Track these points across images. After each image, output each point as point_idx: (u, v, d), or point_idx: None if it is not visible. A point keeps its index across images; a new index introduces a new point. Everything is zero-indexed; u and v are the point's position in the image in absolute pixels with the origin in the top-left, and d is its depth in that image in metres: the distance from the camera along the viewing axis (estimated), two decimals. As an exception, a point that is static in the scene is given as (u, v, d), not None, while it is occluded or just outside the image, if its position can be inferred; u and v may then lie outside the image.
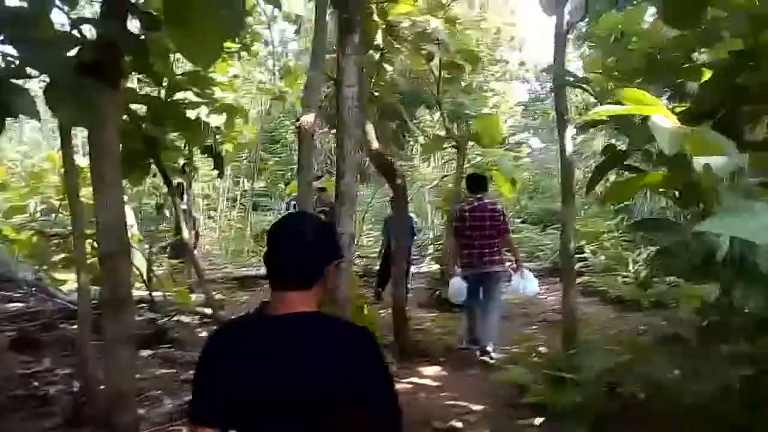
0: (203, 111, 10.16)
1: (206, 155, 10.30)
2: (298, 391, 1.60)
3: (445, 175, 12.08)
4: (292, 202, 10.24)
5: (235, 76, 12.97)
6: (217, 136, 10.40)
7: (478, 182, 6.92)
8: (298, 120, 5.83)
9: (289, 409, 1.60)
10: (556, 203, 14.09)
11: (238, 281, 11.43)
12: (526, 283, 6.74)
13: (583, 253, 11.00)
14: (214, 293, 9.64)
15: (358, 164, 4.35)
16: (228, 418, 1.66)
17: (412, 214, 9.65)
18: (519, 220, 13.75)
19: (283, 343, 1.64)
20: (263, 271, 2.15)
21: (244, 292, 10.70)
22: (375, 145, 6.87)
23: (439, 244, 10.46)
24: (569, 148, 5.51)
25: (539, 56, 20.62)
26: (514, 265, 6.97)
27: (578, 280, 9.99)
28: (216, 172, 10.64)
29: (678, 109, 3.65)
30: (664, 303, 9.25)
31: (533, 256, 12.73)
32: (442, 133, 9.93)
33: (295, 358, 1.62)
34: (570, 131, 5.64)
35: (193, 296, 8.39)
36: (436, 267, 10.48)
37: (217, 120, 10.04)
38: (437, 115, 16.16)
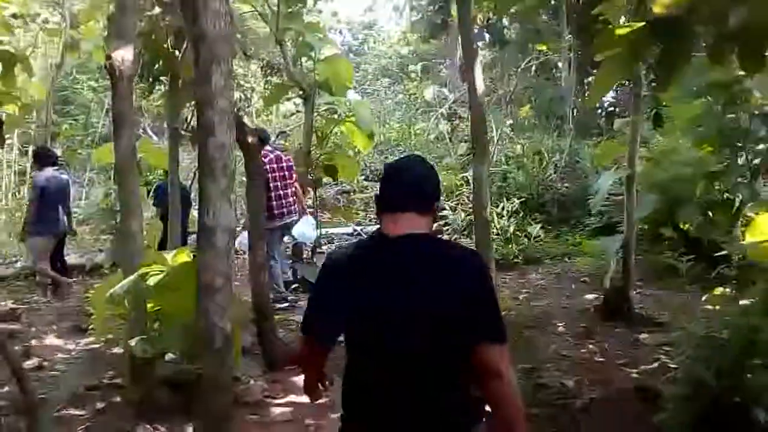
0: (-35, 58, 7.81)
1: (-26, 117, 8.01)
2: (415, 305, 1.73)
3: (282, 131, 10.49)
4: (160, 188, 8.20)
5: (15, 16, 10.36)
6: (-9, 94, 8.12)
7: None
8: (109, 57, 4.08)
9: (407, 321, 1.73)
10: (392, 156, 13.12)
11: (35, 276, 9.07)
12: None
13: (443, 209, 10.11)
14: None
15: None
16: (347, 331, 1.85)
17: (184, 182, 8.35)
18: (363, 177, 12.49)
19: (404, 260, 1.79)
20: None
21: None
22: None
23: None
24: (480, 85, 4.30)
25: (351, 8, 19.48)
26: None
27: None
28: (-8, 139, 8.35)
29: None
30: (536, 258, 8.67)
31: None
32: (285, 79, 8.36)
33: (415, 274, 1.76)
34: (479, 66, 4.43)
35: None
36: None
37: None
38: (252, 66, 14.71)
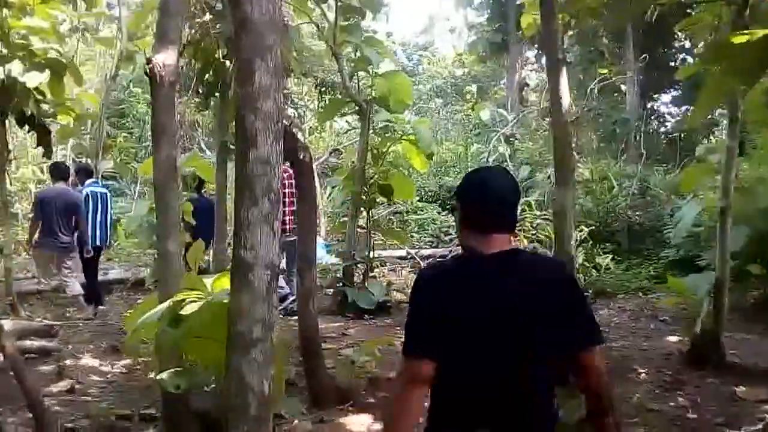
0: (15, 67, 7.63)
1: (23, 126, 7.84)
2: (518, 317, 1.78)
3: (335, 149, 10.09)
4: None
5: (73, 29, 10.26)
6: (42, 104, 7.96)
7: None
8: (149, 62, 3.70)
9: (510, 333, 1.79)
10: (457, 179, 12.59)
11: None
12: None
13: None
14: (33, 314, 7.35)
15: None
16: (449, 348, 1.81)
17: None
18: (417, 198, 11.95)
19: (506, 274, 1.83)
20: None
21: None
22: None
23: (342, 233, 8.50)
24: (566, 101, 3.75)
25: (407, 29, 19.23)
26: None
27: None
28: (40, 149, 8.17)
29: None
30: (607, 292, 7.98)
31: (440, 240, 11.10)
32: (341, 95, 7.97)
33: (514, 288, 1.81)
34: (565, 80, 3.87)
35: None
36: (335, 261, 8.52)
37: (35, 79, 7.53)
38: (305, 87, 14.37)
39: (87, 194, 7.72)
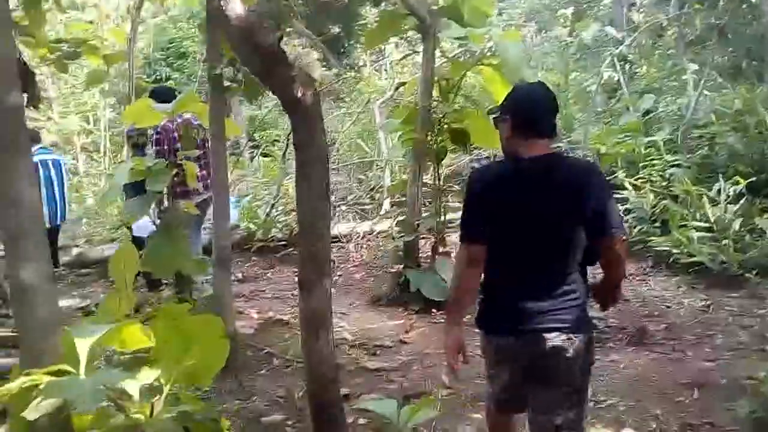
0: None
1: None
2: (557, 207, 2.23)
3: (402, 83, 7.97)
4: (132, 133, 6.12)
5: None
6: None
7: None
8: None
9: (550, 221, 2.24)
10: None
11: (97, 266, 7.24)
12: None
13: (618, 189, 7.19)
14: None
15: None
16: (499, 234, 2.27)
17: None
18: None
19: (546, 172, 2.25)
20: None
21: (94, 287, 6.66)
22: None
23: (402, 196, 6.48)
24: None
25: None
26: None
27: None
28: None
29: None
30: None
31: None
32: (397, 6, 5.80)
33: (554, 184, 2.24)
34: None
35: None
36: (393, 230, 6.53)
37: None
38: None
39: (36, 163, 6.22)
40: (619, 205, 7.05)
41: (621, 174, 7.11)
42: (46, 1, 6.06)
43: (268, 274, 6.70)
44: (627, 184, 6.90)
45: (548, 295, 2.23)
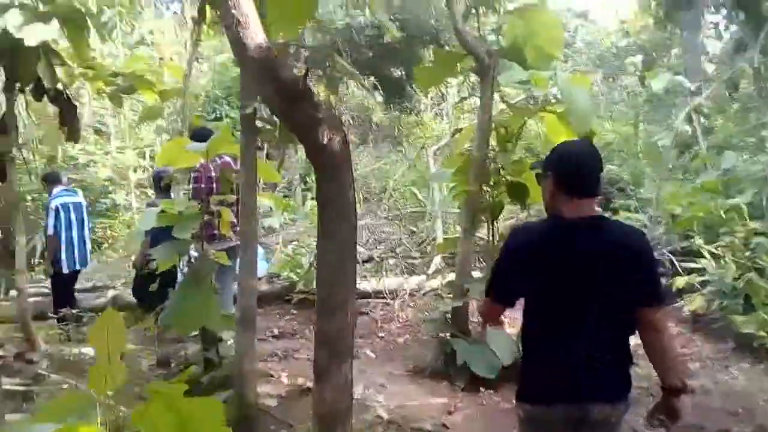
0: (11, 19, 5.91)
1: (40, 99, 6.04)
2: (604, 271, 2.11)
3: (458, 130, 7.49)
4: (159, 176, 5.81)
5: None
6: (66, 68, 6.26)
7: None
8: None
9: (595, 285, 2.12)
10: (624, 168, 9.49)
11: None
12: None
13: (694, 256, 6.47)
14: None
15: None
16: (540, 298, 2.21)
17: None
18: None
19: (592, 235, 2.15)
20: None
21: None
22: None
23: (452, 254, 5.92)
24: None
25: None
26: None
27: (684, 307, 5.72)
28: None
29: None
30: None
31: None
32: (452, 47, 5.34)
33: (604, 247, 2.14)
34: None
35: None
36: (442, 290, 5.95)
37: (39, 34, 5.72)
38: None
39: (57, 207, 6.15)
40: (695, 275, 6.42)
41: (698, 240, 6.39)
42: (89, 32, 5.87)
43: (307, 331, 6.17)
44: (705, 252, 6.17)
45: (595, 361, 2.14)
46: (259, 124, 3.90)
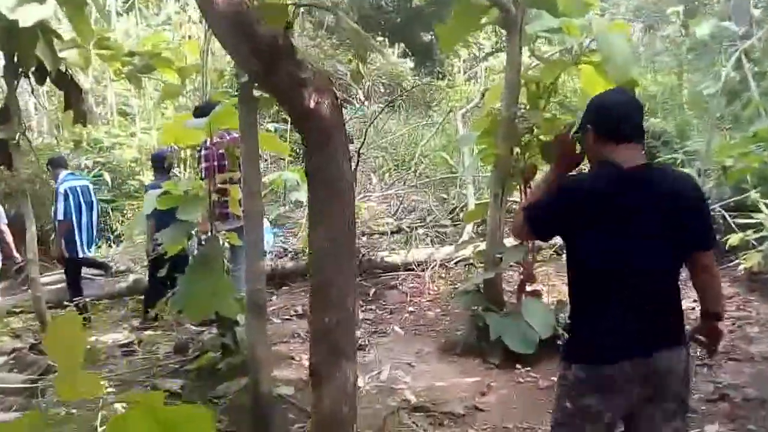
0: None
1: (43, 82, 5.79)
2: (662, 217, 2.06)
3: (487, 89, 7.04)
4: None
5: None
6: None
7: None
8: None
9: (654, 232, 2.06)
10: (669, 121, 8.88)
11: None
12: None
13: (749, 210, 5.95)
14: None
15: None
16: (597, 247, 2.08)
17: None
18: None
19: (647, 182, 2.08)
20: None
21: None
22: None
23: (482, 221, 5.52)
24: None
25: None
26: None
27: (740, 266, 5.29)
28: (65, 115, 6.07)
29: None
30: None
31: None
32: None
33: (660, 194, 2.07)
34: None
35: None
36: (474, 259, 5.56)
37: (34, 15, 5.47)
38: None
39: (65, 190, 5.96)
40: (750, 231, 5.91)
41: (753, 193, 5.85)
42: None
43: (332, 308, 5.89)
44: (761, 206, 5.64)
45: (655, 311, 2.07)
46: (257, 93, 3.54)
